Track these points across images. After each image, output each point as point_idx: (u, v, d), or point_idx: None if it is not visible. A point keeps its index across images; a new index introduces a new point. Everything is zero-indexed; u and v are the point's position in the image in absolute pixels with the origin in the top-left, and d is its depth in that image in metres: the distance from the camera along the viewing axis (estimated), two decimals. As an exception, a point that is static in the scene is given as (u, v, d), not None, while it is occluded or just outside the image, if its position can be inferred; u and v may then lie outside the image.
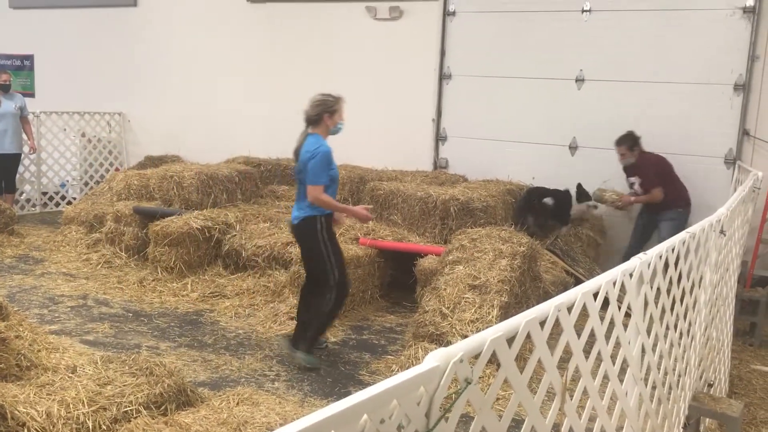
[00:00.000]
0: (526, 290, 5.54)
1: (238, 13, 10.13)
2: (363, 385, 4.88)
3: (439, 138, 8.85)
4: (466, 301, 5.18)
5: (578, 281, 6.34)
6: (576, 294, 2.00)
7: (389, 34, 9.07)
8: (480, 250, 5.65)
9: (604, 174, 7.60)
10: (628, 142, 7.10)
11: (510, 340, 1.66)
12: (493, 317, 5.02)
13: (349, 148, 9.35)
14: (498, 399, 4.34)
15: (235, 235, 7.08)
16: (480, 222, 6.77)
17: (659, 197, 6.99)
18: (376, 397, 1.25)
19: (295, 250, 6.41)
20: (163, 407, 3.47)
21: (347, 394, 4.69)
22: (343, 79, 9.40)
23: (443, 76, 8.71)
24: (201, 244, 7.00)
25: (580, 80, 7.95)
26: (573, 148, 8.03)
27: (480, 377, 1.56)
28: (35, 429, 3.05)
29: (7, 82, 9.27)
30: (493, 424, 1.63)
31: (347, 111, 9.47)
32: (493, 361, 1.64)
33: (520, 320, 1.68)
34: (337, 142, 9.50)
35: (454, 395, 1.45)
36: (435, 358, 1.40)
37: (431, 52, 8.75)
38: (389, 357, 5.39)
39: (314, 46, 9.60)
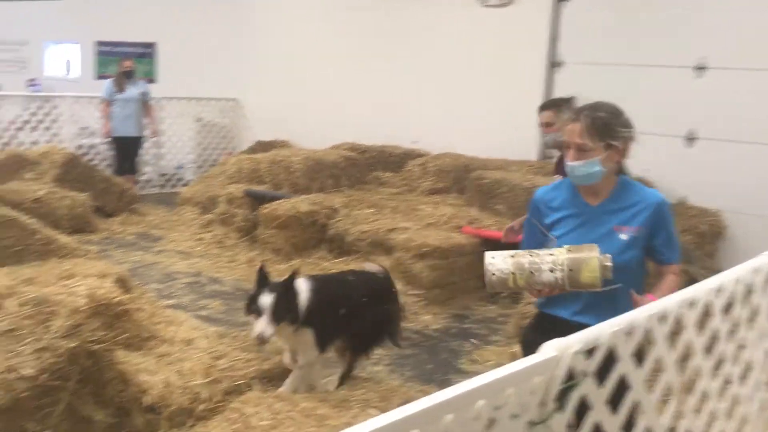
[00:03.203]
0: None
1: (348, 1, 10.26)
2: (463, 373, 4.88)
3: (547, 127, 8.64)
4: (572, 295, 5.04)
5: (691, 279, 6.04)
6: (699, 291, 1.91)
7: (498, 21, 8.92)
8: (588, 242, 5.49)
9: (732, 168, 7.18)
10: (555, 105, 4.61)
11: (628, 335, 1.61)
12: (600, 312, 4.88)
13: (453, 137, 9.33)
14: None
15: (340, 219, 7.21)
16: (588, 214, 6.58)
17: None
18: (493, 384, 1.24)
19: (400, 237, 6.46)
20: (272, 383, 3.59)
21: (447, 381, 4.72)
22: (449, 67, 9.36)
23: (554, 64, 8.49)
24: (307, 227, 7.17)
25: (702, 68, 7.55)
26: (691, 139, 7.66)
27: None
28: (154, 396, 3.24)
29: (130, 69, 9.79)
30: (608, 419, 1.59)
31: (453, 96, 9.39)
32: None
33: (640, 315, 1.62)
34: (442, 130, 9.55)
35: (569, 387, 1.42)
36: (552, 348, 1.39)
37: (541, 39, 8.54)
38: (491, 347, 5.35)
39: (421, 33, 9.59)
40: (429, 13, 9.50)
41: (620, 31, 8.05)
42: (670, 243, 2.70)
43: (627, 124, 2.68)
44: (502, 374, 1.27)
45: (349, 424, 2.85)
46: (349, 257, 6.99)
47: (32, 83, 13.84)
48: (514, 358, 4.88)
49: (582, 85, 8.22)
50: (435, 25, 9.45)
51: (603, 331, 1.50)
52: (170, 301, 5.89)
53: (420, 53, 9.59)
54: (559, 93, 8.50)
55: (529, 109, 8.74)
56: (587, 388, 1.47)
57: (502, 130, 8.90)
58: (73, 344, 2.84)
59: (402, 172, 8.86)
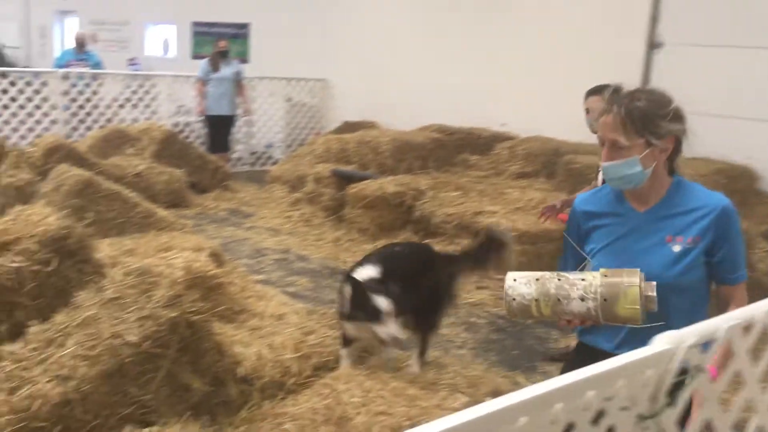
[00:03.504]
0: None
1: (439, -20, 10.17)
2: (549, 361, 4.79)
3: (644, 111, 8.32)
4: (667, 286, 4.87)
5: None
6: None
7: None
8: (686, 232, 5.28)
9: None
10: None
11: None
12: (697, 305, 4.69)
13: (543, 120, 9.12)
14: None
15: (427, 201, 7.19)
16: (685, 202, 6.32)
17: None
18: (604, 375, 1.21)
19: (487, 221, 6.40)
20: (360, 361, 3.64)
21: (532, 368, 4.65)
22: (540, 48, 9.13)
23: (653, 45, 8.15)
24: (393, 208, 7.20)
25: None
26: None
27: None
28: (248, 368, 3.34)
29: (225, 49, 10.03)
30: (719, 416, 1.52)
31: (544, 78, 9.14)
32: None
33: (760, 309, 1.54)
34: (531, 113, 9.34)
35: (682, 382, 1.36)
36: (665, 340, 1.33)
37: (640, 18, 8.20)
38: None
39: (513, 13, 9.39)
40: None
41: (725, 10, 7.63)
42: (737, 258, 2.22)
43: (675, 117, 2.18)
44: (614, 365, 1.22)
45: (438, 406, 2.87)
46: (434, 239, 6.98)
47: (132, 62, 14.43)
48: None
49: (682, 68, 7.90)
50: (526, 4, 9.23)
51: (720, 324, 1.43)
52: (260, 277, 6.04)
53: (511, 34, 9.40)
54: (658, 76, 8.17)
55: (625, 92, 8.49)
56: (701, 383, 1.40)
57: (596, 114, 8.64)
58: (173, 314, 2.95)
59: (490, 155, 8.75)
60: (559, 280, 2.12)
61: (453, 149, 8.81)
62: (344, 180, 7.87)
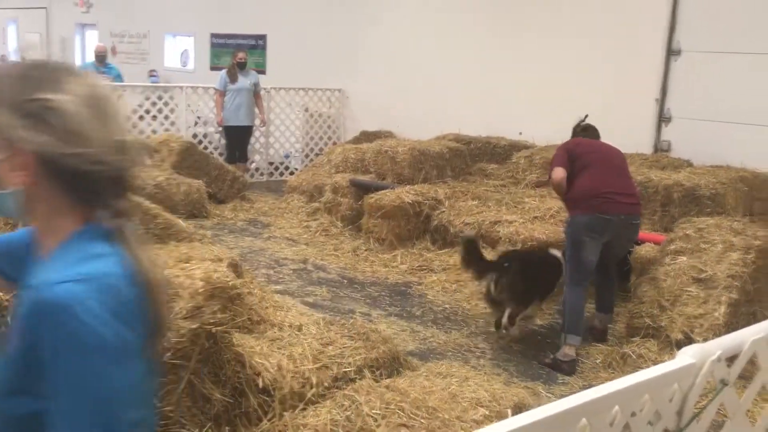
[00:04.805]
0: (759, 289, 5.03)
1: (455, -10, 10.18)
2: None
3: (662, 119, 8.26)
4: (688, 295, 4.82)
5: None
6: None
7: (611, 7, 8.59)
8: (707, 241, 5.22)
9: None
10: None
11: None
12: (719, 315, 4.64)
13: (561, 128, 9.07)
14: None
15: (444, 211, 7.19)
16: (706, 211, 6.26)
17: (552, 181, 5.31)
18: (629, 390, 1.20)
19: (505, 230, 6.40)
20: (378, 372, 3.63)
21: (553, 378, 4.62)
22: (555, 55, 9.10)
23: (671, 52, 8.09)
24: (411, 218, 7.20)
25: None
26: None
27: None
28: (268, 379, 3.34)
29: (243, 60, 10.11)
30: (746, 430, 1.51)
31: (561, 86, 9.06)
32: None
33: (786, 322, 1.52)
34: (549, 121, 9.29)
35: (708, 396, 1.35)
36: (690, 354, 1.32)
37: (659, 26, 8.15)
38: (600, 345, 5.20)
39: (529, 21, 9.37)
40: (539, 3, 9.27)
41: (746, 16, 7.56)
42: (64, 414, 1.10)
43: (38, 117, 1.16)
44: (639, 380, 1.22)
45: (459, 418, 2.85)
46: (452, 249, 6.96)
47: (152, 74, 14.59)
48: (623, 358, 4.73)
49: (700, 75, 7.84)
50: (543, 12, 9.21)
51: (745, 337, 1.41)
52: (278, 287, 6.06)
53: (527, 43, 9.38)
54: (674, 82, 8.11)
55: (643, 99, 8.44)
56: (726, 397, 1.39)
57: (614, 122, 8.54)
58: (194, 325, 2.96)
59: (507, 164, 8.72)
60: None
61: (470, 158, 8.80)
62: (362, 190, 7.89)
